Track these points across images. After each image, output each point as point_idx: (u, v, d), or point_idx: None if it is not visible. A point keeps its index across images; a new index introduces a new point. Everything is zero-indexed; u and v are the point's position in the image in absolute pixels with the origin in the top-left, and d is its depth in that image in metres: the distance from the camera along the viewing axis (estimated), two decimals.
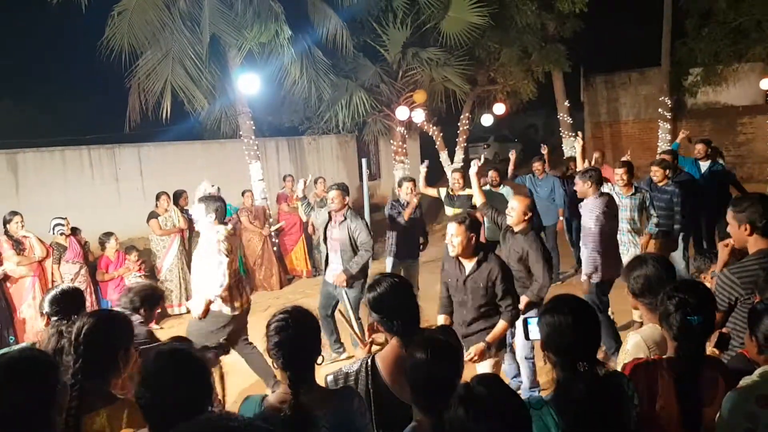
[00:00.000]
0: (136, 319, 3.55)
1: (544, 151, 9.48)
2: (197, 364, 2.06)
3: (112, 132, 12.89)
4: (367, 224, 6.36)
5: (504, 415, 1.70)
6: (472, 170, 5.49)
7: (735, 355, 2.70)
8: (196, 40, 10.09)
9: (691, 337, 2.25)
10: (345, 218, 6.18)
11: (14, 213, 7.20)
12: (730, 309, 2.97)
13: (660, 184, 7.19)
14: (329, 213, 6.32)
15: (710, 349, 3.03)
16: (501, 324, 4.15)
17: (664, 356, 2.37)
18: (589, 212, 6.01)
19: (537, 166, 9.20)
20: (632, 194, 6.70)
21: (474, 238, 4.13)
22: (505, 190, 8.38)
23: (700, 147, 8.76)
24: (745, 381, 2.15)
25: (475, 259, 4.14)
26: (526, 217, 4.90)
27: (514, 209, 4.90)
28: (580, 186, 6.15)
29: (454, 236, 4.10)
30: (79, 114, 16.70)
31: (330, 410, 2.28)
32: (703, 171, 8.52)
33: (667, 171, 7.29)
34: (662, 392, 2.19)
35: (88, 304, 7.44)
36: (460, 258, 4.20)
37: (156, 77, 10.01)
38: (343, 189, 6.29)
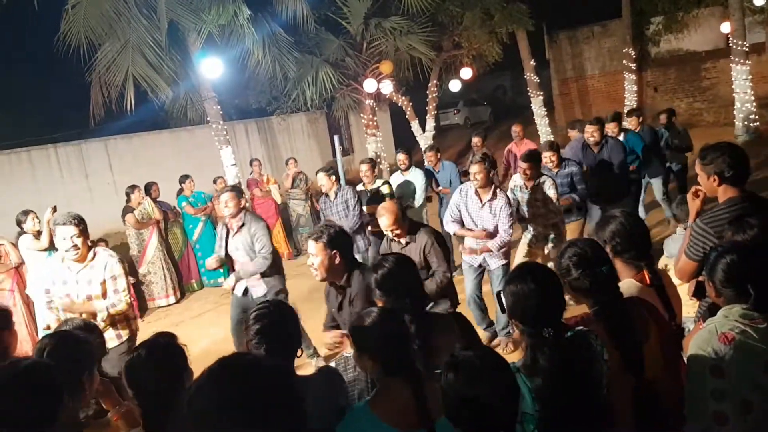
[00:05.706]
0: None
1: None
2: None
3: (78, 128, 12.68)
4: (267, 229, 5.51)
5: (495, 380, 1.76)
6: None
7: (712, 301, 2.78)
8: (154, 28, 9.90)
9: (604, 286, 2.35)
10: (243, 223, 5.38)
11: None
12: (706, 257, 3.03)
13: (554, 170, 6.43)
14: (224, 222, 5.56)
15: (689, 297, 3.13)
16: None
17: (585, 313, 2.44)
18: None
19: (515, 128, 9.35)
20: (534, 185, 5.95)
21: (338, 254, 3.41)
22: (416, 173, 7.72)
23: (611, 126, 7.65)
24: (710, 321, 2.30)
25: (344, 277, 3.47)
26: (403, 222, 4.38)
27: (387, 225, 4.35)
28: (483, 177, 5.29)
29: (314, 256, 3.42)
30: (42, 113, 16.37)
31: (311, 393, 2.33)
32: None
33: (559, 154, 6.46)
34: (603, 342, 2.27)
35: None
36: (328, 282, 3.58)
37: (116, 69, 9.83)
38: (237, 191, 5.52)
